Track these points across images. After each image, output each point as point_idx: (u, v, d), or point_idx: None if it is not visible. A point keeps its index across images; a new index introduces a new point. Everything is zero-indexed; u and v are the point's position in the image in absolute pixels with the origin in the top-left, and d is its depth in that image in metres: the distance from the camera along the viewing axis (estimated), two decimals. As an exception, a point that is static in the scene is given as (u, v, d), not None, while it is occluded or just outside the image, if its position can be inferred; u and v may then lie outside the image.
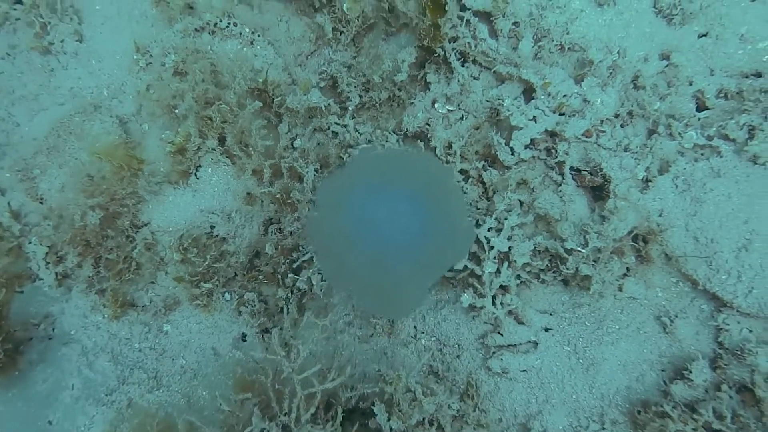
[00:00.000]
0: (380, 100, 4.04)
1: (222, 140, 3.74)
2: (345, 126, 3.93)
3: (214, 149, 3.73)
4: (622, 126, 3.61)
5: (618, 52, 3.72)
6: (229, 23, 4.04)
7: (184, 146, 3.68)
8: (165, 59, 3.85)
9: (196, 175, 3.75)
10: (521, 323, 3.35)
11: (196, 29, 3.97)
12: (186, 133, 3.65)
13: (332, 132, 4.03)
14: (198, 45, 3.83)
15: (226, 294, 3.67)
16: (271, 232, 3.73)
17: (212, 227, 3.61)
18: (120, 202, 3.48)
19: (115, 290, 3.54)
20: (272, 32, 4.43)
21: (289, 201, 3.52)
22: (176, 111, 3.71)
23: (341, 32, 4.25)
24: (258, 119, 3.83)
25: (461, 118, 3.97)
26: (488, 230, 3.32)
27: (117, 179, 3.45)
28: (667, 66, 3.66)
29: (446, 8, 3.57)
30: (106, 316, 3.65)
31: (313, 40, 4.43)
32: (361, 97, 4.04)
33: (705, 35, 3.64)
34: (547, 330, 3.30)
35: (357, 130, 4.01)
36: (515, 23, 3.91)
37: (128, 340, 3.67)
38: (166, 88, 3.74)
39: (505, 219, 3.33)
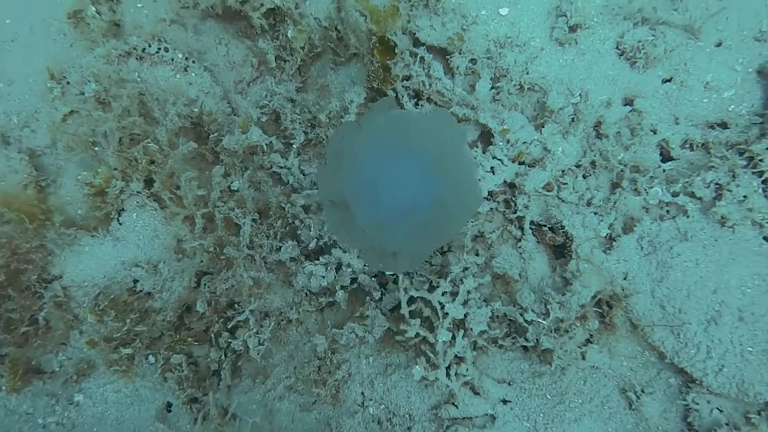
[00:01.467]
0: (328, 137, 3.57)
1: (149, 182, 3.20)
2: (288, 168, 3.44)
3: (139, 192, 3.19)
4: (584, 177, 3.28)
5: (580, 95, 3.37)
6: (159, 48, 3.50)
7: (105, 188, 3.12)
8: (84, 87, 3.27)
9: (118, 220, 3.20)
10: (477, 394, 2.97)
11: (121, 54, 3.40)
12: (107, 173, 3.10)
13: (274, 173, 3.54)
14: (123, 72, 3.27)
15: (150, 357, 3.15)
16: (204, 284, 3.22)
17: (135, 282, 3.09)
18: (23, 257, 2.90)
19: (14, 359, 2.96)
20: (210, 56, 3.90)
21: (222, 257, 3.03)
22: (96, 148, 3.15)
23: (286, 61, 3.75)
24: (190, 163, 3.30)
25: (415, 160, 3.53)
26: (442, 294, 2.92)
27: (19, 231, 2.87)
28: (630, 111, 3.34)
29: (396, 50, 3.14)
30: (3, 388, 3.07)
31: (255, 65, 3.93)
32: (306, 133, 3.57)
33: (669, 80, 3.34)
34: (505, 402, 2.95)
35: (302, 171, 3.54)
36: (472, 61, 3.52)
37: (30, 416, 3.09)
38: (86, 120, 3.17)
39: (461, 282, 2.93)
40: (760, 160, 2.96)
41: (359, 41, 3.38)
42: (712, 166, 3.05)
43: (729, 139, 3.16)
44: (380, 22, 3.11)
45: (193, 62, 3.65)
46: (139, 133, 3.21)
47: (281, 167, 3.53)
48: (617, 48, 3.49)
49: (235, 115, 3.84)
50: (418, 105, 3.59)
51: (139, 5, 3.87)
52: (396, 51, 3.27)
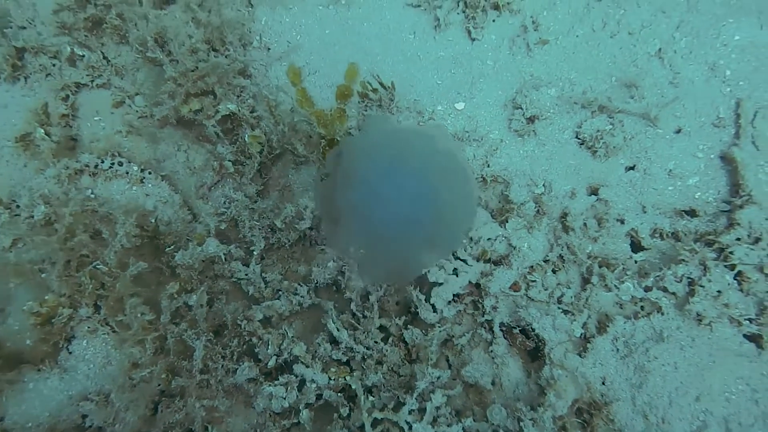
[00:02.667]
0: (290, 240, 3.40)
1: (99, 307, 3.00)
2: (249, 277, 3.25)
3: (89, 317, 2.99)
4: (554, 271, 3.08)
5: (544, 185, 3.23)
6: (113, 163, 3.37)
7: (52, 317, 2.92)
8: (34, 210, 3.12)
9: (68, 349, 2.98)
10: None
11: (73, 173, 3.27)
12: (54, 301, 2.90)
13: (235, 283, 3.35)
14: (72, 194, 3.13)
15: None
16: (161, 410, 2.97)
17: (84, 417, 2.84)
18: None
19: None
20: (169, 164, 3.78)
21: (173, 386, 2.80)
22: (44, 274, 2.97)
23: (244, 164, 3.62)
24: (145, 280, 3.11)
25: (379, 261, 3.35)
26: (409, 413, 2.68)
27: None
28: (596, 201, 3.18)
29: (351, 151, 3.00)
30: None
31: (216, 169, 3.79)
32: (267, 239, 3.40)
33: (632, 168, 3.20)
34: None
35: (264, 279, 3.35)
36: (432, 156, 3.36)
37: None
38: (33, 245, 3.00)
39: (429, 398, 2.70)
40: (731, 253, 2.78)
41: (308, 147, 3.27)
42: (683, 260, 2.87)
43: (698, 229, 3.00)
44: (328, 125, 3.00)
45: (150, 173, 3.53)
46: (87, 254, 3.04)
47: (242, 277, 3.35)
48: (577, 137, 3.37)
49: (196, 221, 3.69)
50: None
51: (96, 118, 3.78)
52: (350, 155, 3.13)
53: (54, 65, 3.59)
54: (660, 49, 3.35)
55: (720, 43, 3.23)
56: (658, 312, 2.86)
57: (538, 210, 3.26)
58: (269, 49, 3.96)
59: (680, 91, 3.23)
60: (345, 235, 2.41)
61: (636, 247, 3.19)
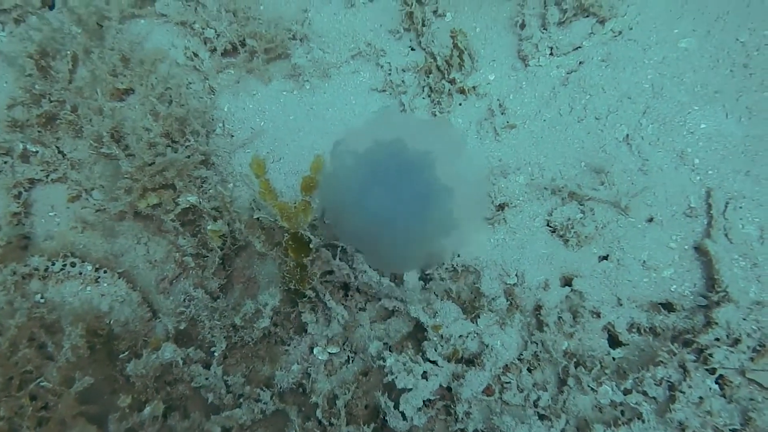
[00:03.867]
0: (253, 339, 3.19)
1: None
2: (210, 382, 3.02)
3: (33, 437, 2.73)
4: (529, 370, 2.89)
5: (516, 276, 3.07)
6: (65, 264, 3.16)
7: (-8, 440, 2.66)
8: (-23, 320, 2.89)
9: (8, 474, 2.70)
10: None
11: (21, 278, 3.05)
12: (-6, 422, 2.64)
13: (195, 389, 3.11)
14: (20, 301, 2.91)
15: None
16: None
17: None
18: None
19: None
20: (128, 258, 3.58)
21: None
22: (-17, 392, 2.71)
23: (206, 257, 3.43)
24: (96, 390, 2.86)
25: (347, 361, 3.16)
26: None
27: None
28: (570, 292, 3.02)
29: (311, 246, 2.84)
30: None
31: (178, 260, 3.58)
32: (229, 338, 3.17)
33: (606, 258, 3.06)
34: None
35: (226, 382, 3.11)
36: (400, 247, 3.20)
37: None
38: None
39: None
40: (710, 355, 2.61)
41: (267, 243, 3.10)
42: (661, 361, 2.69)
43: (676, 325, 2.85)
44: (291, 218, 2.84)
45: (105, 272, 3.32)
46: (31, 369, 2.80)
47: (202, 382, 3.11)
48: (548, 225, 3.23)
49: (156, 319, 3.47)
50: (347, 294, 3.27)
51: (50, 214, 3.60)
52: (311, 247, 2.97)
53: (5, 162, 3.42)
54: (628, 135, 3.27)
55: (686, 130, 3.15)
56: (638, 419, 2.66)
57: (510, 303, 3.09)
58: (232, 136, 3.84)
59: (650, 178, 3.13)
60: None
61: (613, 341, 3.02)
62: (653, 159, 3.19)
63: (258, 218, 3.09)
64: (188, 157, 3.46)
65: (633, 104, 3.35)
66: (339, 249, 3.17)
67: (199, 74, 3.94)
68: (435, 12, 3.89)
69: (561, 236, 3.22)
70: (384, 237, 2.63)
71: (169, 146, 3.44)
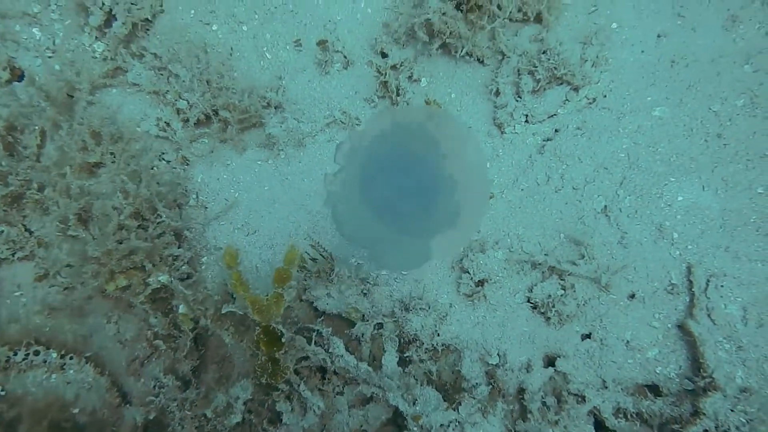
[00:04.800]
0: (226, 428, 3.00)
1: None
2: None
3: None
4: (513, 460, 2.74)
5: (498, 355, 2.93)
6: (27, 353, 2.97)
7: None
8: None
9: None
10: None
11: (-21, 371, 2.86)
12: None
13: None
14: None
15: None
16: None
17: None
18: None
19: None
20: (98, 338, 3.40)
21: None
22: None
23: (178, 338, 3.26)
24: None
25: (325, 450, 2.98)
26: None
27: None
28: (554, 373, 2.88)
29: (282, 340, 2.70)
30: None
31: (150, 338, 3.40)
32: (201, 428, 2.98)
33: (588, 336, 2.94)
34: None
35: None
36: (378, 326, 3.08)
37: None
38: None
39: None
40: (700, 449, 2.48)
41: (237, 336, 2.95)
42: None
43: (663, 411, 2.72)
44: (263, 311, 2.69)
45: (71, 358, 3.13)
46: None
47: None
48: (529, 301, 3.11)
49: (126, 404, 3.27)
50: (324, 378, 3.11)
51: (16, 293, 3.41)
52: (283, 341, 2.82)
53: (-33, 246, 3.25)
54: (606, 207, 3.19)
55: (664, 203, 3.08)
56: None
57: (492, 387, 2.95)
58: (206, 207, 3.70)
59: (630, 252, 3.04)
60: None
61: (599, 426, 2.88)
62: (632, 232, 3.10)
63: (227, 312, 2.93)
64: (159, 236, 3.31)
65: (610, 174, 3.28)
66: (314, 332, 3.02)
67: (172, 144, 3.82)
68: (410, 77, 3.82)
69: (542, 313, 3.10)
70: (390, 229, 2.49)
71: (140, 226, 3.30)
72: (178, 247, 3.44)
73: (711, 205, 3.02)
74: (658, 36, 3.54)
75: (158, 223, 3.41)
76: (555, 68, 3.39)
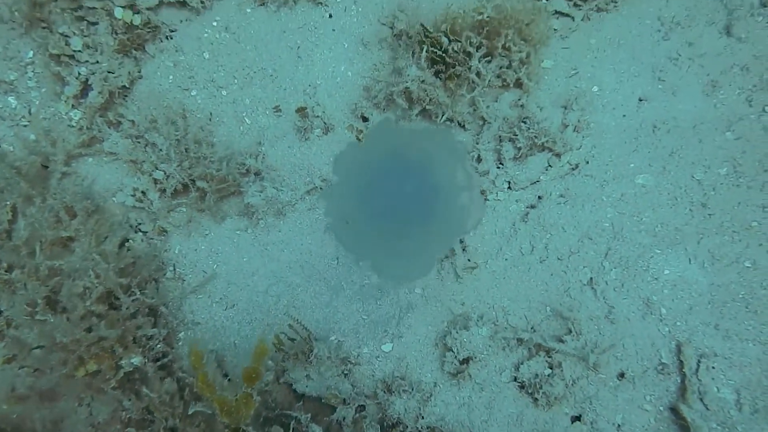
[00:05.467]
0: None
1: None
2: None
3: None
4: None
5: (485, 439, 2.78)
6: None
7: None
8: None
9: None
10: None
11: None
12: None
13: None
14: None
15: None
16: None
17: None
18: None
19: None
20: (69, 423, 3.21)
21: None
22: None
23: (152, 422, 3.08)
24: None
25: None
26: None
27: None
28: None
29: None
30: None
31: (125, 420, 3.23)
32: None
33: (578, 418, 2.80)
34: None
35: None
36: (360, 408, 2.93)
37: None
38: None
39: None
40: None
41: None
42: None
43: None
44: (232, 413, 2.53)
45: (38, 450, 2.94)
46: None
47: None
48: (516, 380, 2.98)
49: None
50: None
51: (-18, 377, 3.23)
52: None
53: (-70, 331, 3.09)
54: (591, 279, 3.08)
55: (650, 276, 2.98)
56: None
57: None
58: (183, 280, 3.56)
59: (617, 328, 2.92)
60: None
61: None
62: (619, 306, 2.99)
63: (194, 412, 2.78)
64: (132, 316, 3.17)
65: (594, 245, 3.18)
66: (293, 419, 2.87)
67: (149, 215, 3.70)
68: (391, 142, 3.73)
69: (530, 393, 2.96)
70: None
71: (112, 306, 3.16)
72: (153, 326, 3.30)
73: (698, 279, 2.92)
74: (640, 100, 3.49)
75: (132, 300, 3.27)
76: (535, 137, 3.32)
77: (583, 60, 3.62)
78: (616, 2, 3.64)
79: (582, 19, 3.69)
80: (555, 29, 3.70)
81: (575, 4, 3.68)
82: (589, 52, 3.63)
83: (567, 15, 3.71)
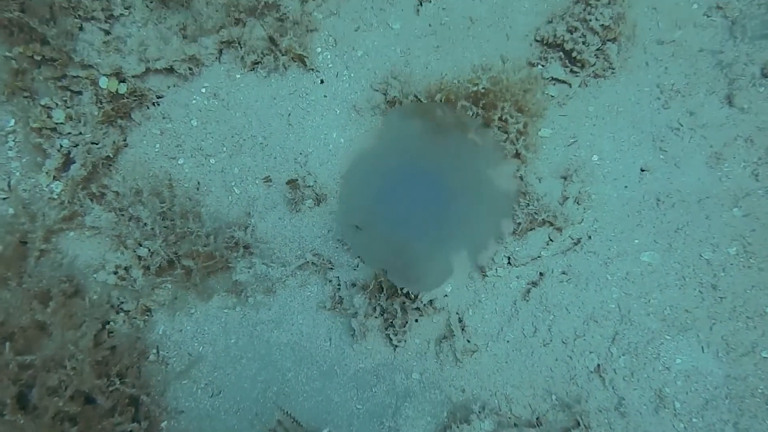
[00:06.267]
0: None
1: None
2: None
3: None
4: None
5: None
6: None
7: None
8: None
9: None
10: None
11: None
12: None
13: None
14: None
15: None
16: None
17: None
18: None
19: None
20: None
21: None
22: None
23: None
24: None
25: None
26: None
27: None
28: None
29: None
30: None
31: None
32: None
33: None
34: None
35: None
36: None
37: None
38: None
39: None
40: None
41: None
42: None
43: None
44: None
45: None
46: None
47: None
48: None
49: None
50: None
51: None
52: None
53: None
54: (599, 366, 2.88)
55: (661, 365, 2.79)
56: None
57: None
58: (167, 364, 3.34)
59: (629, 422, 2.72)
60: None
61: None
62: (630, 398, 2.79)
63: None
64: (110, 411, 2.93)
65: (600, 328, 2.99)
66: None
67: (132, 293, 3.49)
68: (385, 213, 3.56)
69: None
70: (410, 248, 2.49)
71: (88, 400, 2.92)
72: (133, 420, 3.06)
73: (713, 370, 2.73)
74: (641, 170, 3.35)
75: (112, 391, 3.04)
76: (536, 213, 3.16)
77: (582, 128, 3.49)
78: (613, 68, 3.52)
79: (579, 86, 3.57)
80: (552, 96, 3.58)
81: (572, 71, 3.57)
82: (587, 120, 3.50)
83: (564, 82, 3.59)
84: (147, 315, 3.46)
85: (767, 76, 3.28)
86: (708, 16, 3.51)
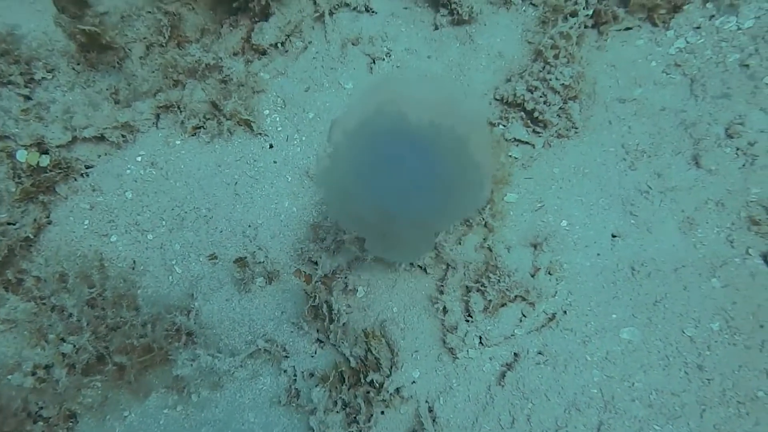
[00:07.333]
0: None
1: None
2: None
3: None
4: None
5: None
6: None
7: None
8: None
9: None
10: None
11: None
12: None
13: None
14: None
15: None
16: None
17: None
18: None
19: None
20: None
21: None
22: None
23: None
24: None
25: None
26: None
27: None
28: None
29: None
30: None
31: None
32: None
33: None
34: None
35: None
36: None
37: None
38: None
39: None
40: None
41: None
42: None
43: None
44: None
45: None
46: None
47: None
48: None
49: None
50: None
51: None
52: None
53: None
54: (585, 462, 2.56)
55: (653, 460, 2.49)
56: None
57: None
58: (96, 481, 2.82)
59: None
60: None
61: None
62: (622, 500, 2.48)
63: None
64: None
65: (583, 417, 2.70)
66: None
67: (54, 396, 2.98)
68: (345, 288, 3.22)
69: None
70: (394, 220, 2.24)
71: None
72: None
73: (708, 466, 2.47)
74: (613, 236, 3.13)
75: None
76: (507, 290, 2.88)
77: (548, 191, 3.26)
78: (576, 128, 3.33)
79: (543, 146, 3.37)
80: (516, 158, 3.36)
81: (534, 131, 3.36)
82: (553, 183, 3.28)
83: (527, 143, 3.38)
84: (71, 422, 2.96)
85: (732, 136, 3.15)
86: (667, 74, 3.38)
